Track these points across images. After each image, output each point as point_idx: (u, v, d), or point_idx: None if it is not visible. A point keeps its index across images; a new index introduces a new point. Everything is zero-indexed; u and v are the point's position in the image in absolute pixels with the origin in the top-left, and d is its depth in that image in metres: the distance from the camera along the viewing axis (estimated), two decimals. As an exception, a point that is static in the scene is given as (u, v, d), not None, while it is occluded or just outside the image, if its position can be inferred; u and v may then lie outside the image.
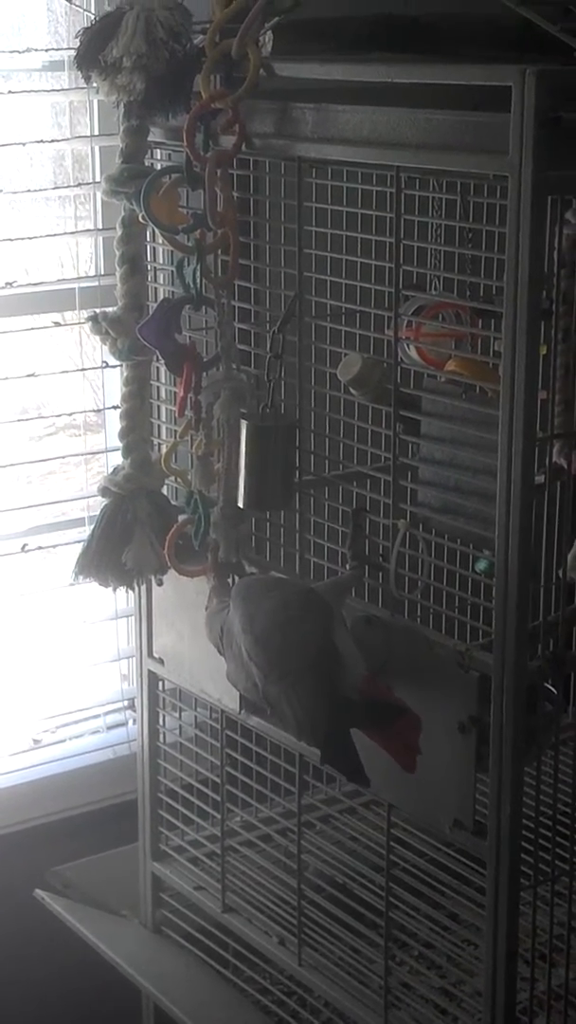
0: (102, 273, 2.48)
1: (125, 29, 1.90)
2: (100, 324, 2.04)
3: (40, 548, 2.52)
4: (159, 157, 2.08)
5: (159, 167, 2.01)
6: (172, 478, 2.08)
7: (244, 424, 1.90)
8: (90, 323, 2.05)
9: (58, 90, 2.44)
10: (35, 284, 2.46)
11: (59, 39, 2.47)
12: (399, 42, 1.92)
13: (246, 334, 2.00)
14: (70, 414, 2.59)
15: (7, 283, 2.42)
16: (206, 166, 1.84)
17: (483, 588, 1.86)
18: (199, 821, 2.29)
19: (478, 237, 1.95)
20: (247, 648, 1.76)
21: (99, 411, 2.59)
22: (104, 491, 2.07)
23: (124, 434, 2.08)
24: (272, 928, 2.14)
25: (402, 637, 1.78)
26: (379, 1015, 1.95)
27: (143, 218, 1.94)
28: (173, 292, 1.96)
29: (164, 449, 2.07)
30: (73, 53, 1.98)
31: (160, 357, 1.95)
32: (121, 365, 2.10)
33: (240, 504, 1.93)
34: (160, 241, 2.02)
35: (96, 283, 2.48)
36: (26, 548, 2.51)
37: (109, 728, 2.69)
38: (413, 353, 2.00)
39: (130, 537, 2.04)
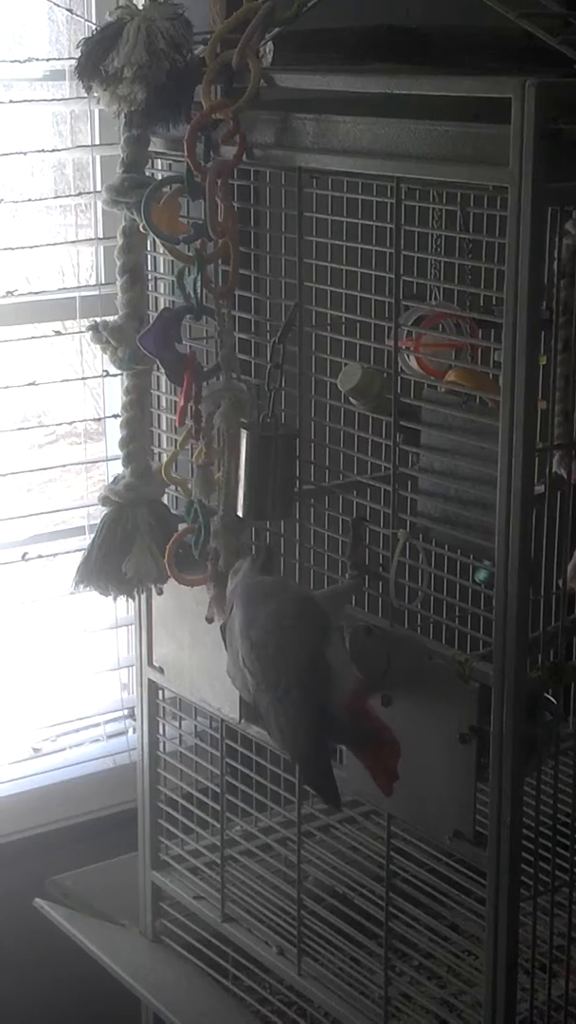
0: (103, 282, 2.49)
1: (126, 39, 1.90)
2: (101, 333, 2.04)
3: (40, 557, 2.52)
4: (160, 167, 2.09)
5: (160, 177, 2.01)
6: (172, 487, 2.09)
7: (244, 434, 1.90)
8: (91, 332, 2.06)
9: (59, 100, 2.44)
10: (36, 293, 2.46)
11: (60, 49, 2.47)
12: (399, 53, 1.93)
13: (246, 344, 2.00)
14: (71, 423, 2.59)
15: (8, 292, 2.42)
16: (207, 176, 1.84)
17: (483, 598, 1.87)
18: (199, 830, 2.29)
19: (478, 248, 1.96)
20: (243, 653, 1.76)
21: (99, 420, 2.59)
22: (104, 500, 2.07)
23: (124, 443, 2.08)
24: (272, 938, 2.14)
25: (402, 647, 1.78)
26: (379, 1025, 1.95)
27: (144, 228, 1.94)
28: (173, 302, 1.96)
29: (164, 458, 2.08)
30: (74, 63, 1.98)
31: (160, 366, 1.95)
32: (122, 374, 2.10)
33: (239, 514, 1.93)
34: (161, 251, 2.02)
35: (97, 292, 2.48)
36: (26, 557, 2.51)
37: (109, 737, 2.69)
38: (413, 363, 2.00)
39: (130, 546, 2.04)
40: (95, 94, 1.99)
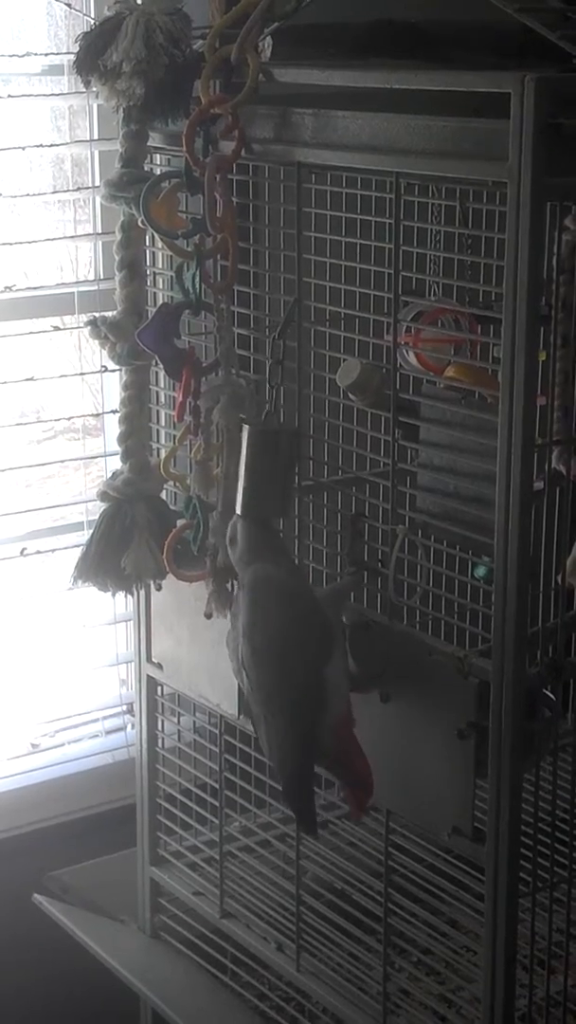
0: (101, 277, 2.48)
1: (125, 34, 1.90)
2: (99, 328, 2.04)
3: (39, 552, 2.52)
4: (158, 162, 2.08)
5: (158, 172, 2.01)
6: (171, 483, 2.08)
7: (244, 429, 1.89)
8: (89, 327, 2.05)
9: (58, 94, 2.44)
10: (34, 288, 2.46)
11: (59, 43, 2.47)
12: (399, 48, 1.92)
13: (245, 339, 1.99)
14: (69, 418, 2.59)
15: (6, 287, 2.42)
16: (205, 171, 1.84)
17: (482, 594, 1.86)
18: (197, 826, 2.28)
19: (477, 243, 1.95)
20: (244, 655, 1.75)
21: (98, 415, 2.59)
22: (103, 495, 2.07)
23: (123, 438, 2.08)
24: (270, 933, 2.14)
25: (401, 643, 1.78)
26: (378, 1021, 1.94)
27: (142, 223, 1.94)
28: (172, 297, 1.95)
29: (163, 454, 2.07)
30: (73, 58, 1.98)
31: (159, 362, 1.95)
32: (120, 370, 2.10)
33: (237, 511, 1.92)
34: (159, 246, 2.02)
35: (95, 287, 2.48)
36: (25, 552, 2.51)
37: (108, 733, 2.69)
38: (412, 359, 2.00)
39: (129, 542, 2.04)
40: (94, 89, 2.00)
